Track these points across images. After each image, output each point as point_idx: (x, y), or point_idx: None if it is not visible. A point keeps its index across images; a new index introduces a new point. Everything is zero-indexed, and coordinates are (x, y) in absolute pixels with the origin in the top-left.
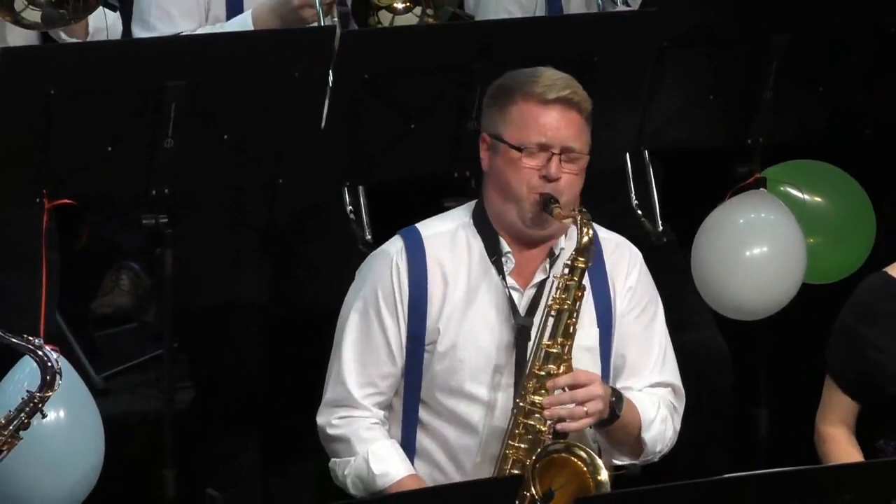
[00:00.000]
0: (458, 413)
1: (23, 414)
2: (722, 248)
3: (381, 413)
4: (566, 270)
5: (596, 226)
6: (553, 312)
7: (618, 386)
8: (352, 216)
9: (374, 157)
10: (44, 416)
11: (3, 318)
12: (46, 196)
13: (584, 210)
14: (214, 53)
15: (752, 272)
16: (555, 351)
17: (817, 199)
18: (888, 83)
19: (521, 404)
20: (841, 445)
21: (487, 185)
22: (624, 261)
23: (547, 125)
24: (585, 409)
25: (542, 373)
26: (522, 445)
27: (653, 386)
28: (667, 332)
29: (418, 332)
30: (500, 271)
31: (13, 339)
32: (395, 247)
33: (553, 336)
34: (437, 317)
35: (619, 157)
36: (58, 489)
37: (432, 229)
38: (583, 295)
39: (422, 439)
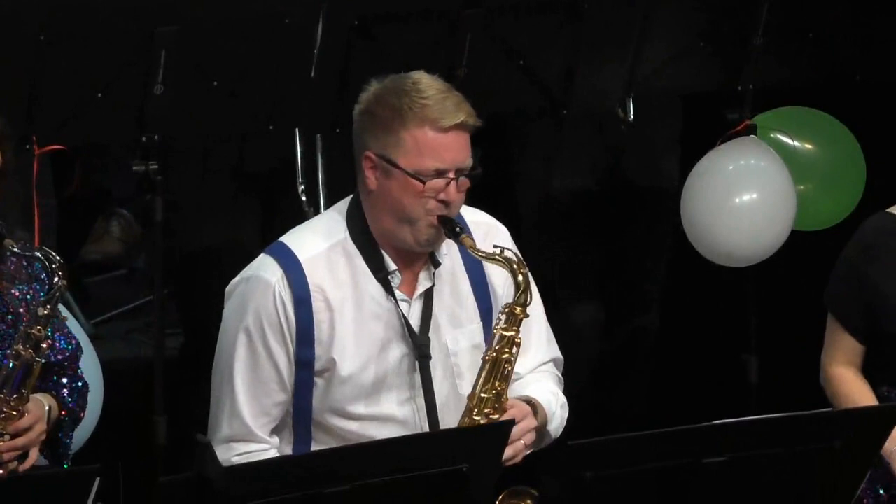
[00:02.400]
0: (354, 433)
1: (38, 326)
2: (712, 195)
3: (276, 439)
4: (503, 319)
5: (463, 209)
6: (489, 360)
7: None
8: (301, 186)
9: None
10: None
11: None
12: (36, 142)
13: (505, 248)
14: None
15: (742, 219)
16: (491, 396)
17: (807, 145)
18: (878, 29)
19: None
20: (850, 385)
21: (373, 203)
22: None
23: (445, 152)
24: (523, 442)
25: (479, 417)
26: None
27: (542, 365)
28: (542, 305)
29: (307, 359)
30: (389, 289)
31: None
32: (274, 275)
33: (489, 381)
34: (328, 345)
35: (609, 105)
36: None
37: (308, 251)
38: (520, 342)
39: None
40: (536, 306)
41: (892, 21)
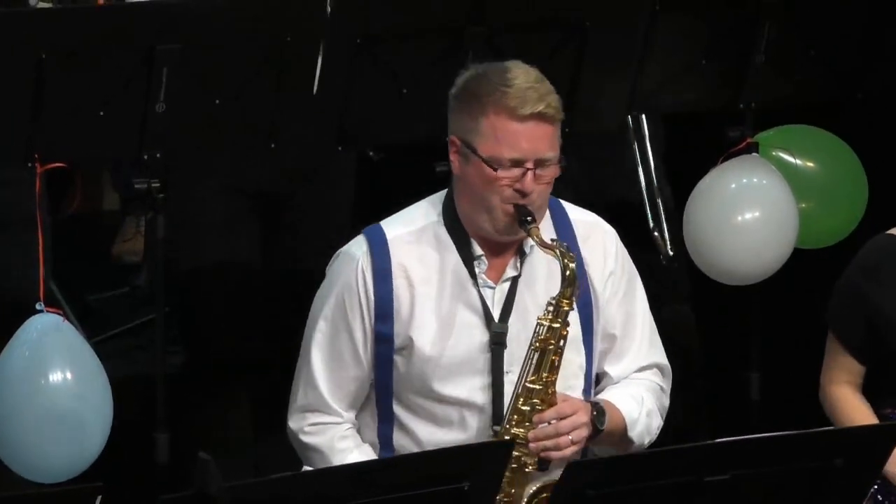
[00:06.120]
0: (435, 413)
1: None
2: (714, 213)
3: (352, 415)
4: (550, 309)
5: (566, 205)
6: (537, 350)
7: (605, 369)
8: None
9: (366, 121)
10: None
11: None
12: (39, 160)
13: (563, 242)
14: (206, 17)
15: (745, 237)
16: (538, 387)
17: (809, 163)
18: (881, 47)
19: (506, 437)
20: (851, 404)
21: (458, 188)
22: (599, 247)
23: (521, 141)
24: (570, 437)
25: (526, 407)
26: (507, 474)
27: (640, 370)
28: (648, 309)
29: (386, 335)
30: (473, 275)
31: None
32: (359, 249)
33: (537, 371)
34: (407, 322)
35: (610, 122)
36: (69, 452)
37: (397, 229)
38: (567, 333)
39: (398, 437)
40: (640, 305)
41: (894, 39)
